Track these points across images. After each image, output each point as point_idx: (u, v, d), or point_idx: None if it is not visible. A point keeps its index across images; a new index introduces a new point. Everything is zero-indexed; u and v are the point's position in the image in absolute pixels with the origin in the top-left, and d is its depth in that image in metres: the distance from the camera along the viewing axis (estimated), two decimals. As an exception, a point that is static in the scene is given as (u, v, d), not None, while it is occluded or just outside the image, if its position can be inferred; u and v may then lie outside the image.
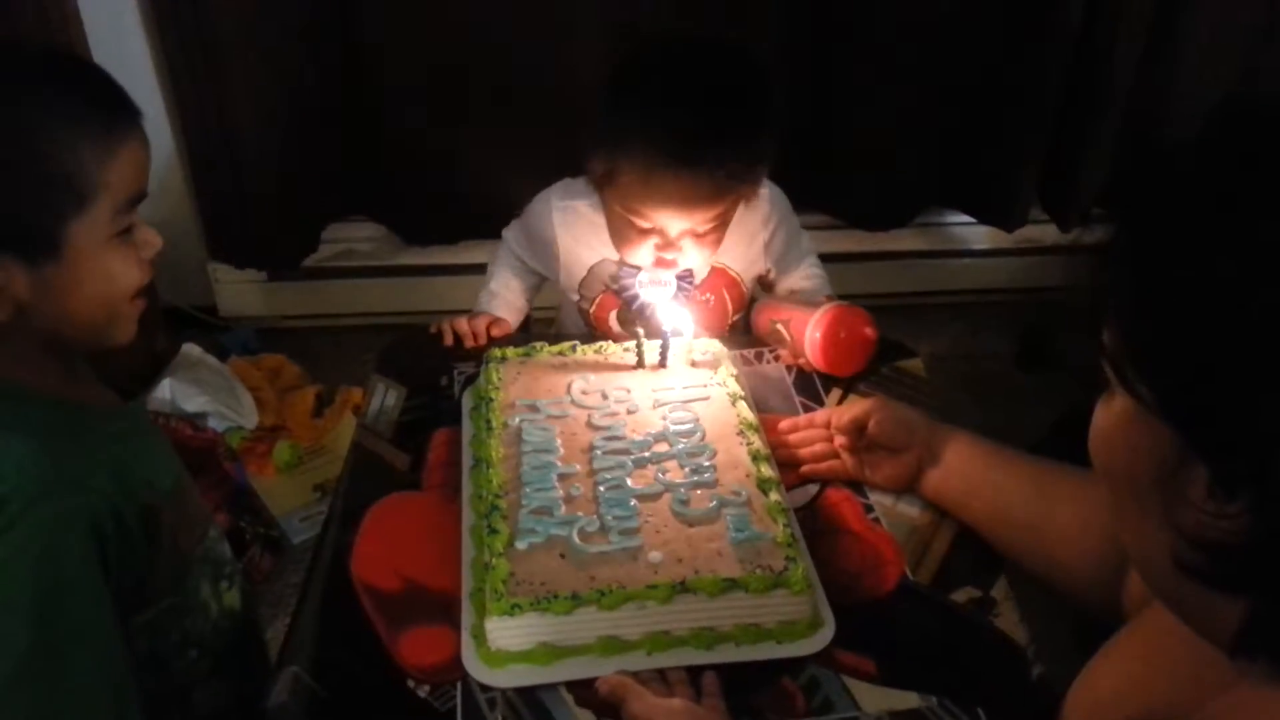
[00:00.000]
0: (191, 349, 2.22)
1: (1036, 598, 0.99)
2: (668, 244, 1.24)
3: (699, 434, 1.06)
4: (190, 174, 2.35)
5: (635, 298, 1.35)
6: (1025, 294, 2.60)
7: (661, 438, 1.06)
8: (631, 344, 1.18)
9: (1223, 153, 0.53)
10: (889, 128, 2.35)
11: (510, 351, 1.19)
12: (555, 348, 1.20)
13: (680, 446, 1.04)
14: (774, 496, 0.98)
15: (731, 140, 1.15)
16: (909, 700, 0.88)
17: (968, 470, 1.04)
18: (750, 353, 1.31)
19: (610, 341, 1.21)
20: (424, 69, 2.20)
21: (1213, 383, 0.49)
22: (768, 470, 1.02)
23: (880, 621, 0.95)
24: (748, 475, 1.01)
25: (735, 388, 1.14)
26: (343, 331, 2.53)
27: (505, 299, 1.45)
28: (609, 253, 1.35)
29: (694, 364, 1.18)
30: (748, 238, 1.37)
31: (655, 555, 0.91)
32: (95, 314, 0.86)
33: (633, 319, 1.37)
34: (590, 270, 1.38)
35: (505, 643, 0.87)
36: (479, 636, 0.88)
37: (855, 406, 1.10)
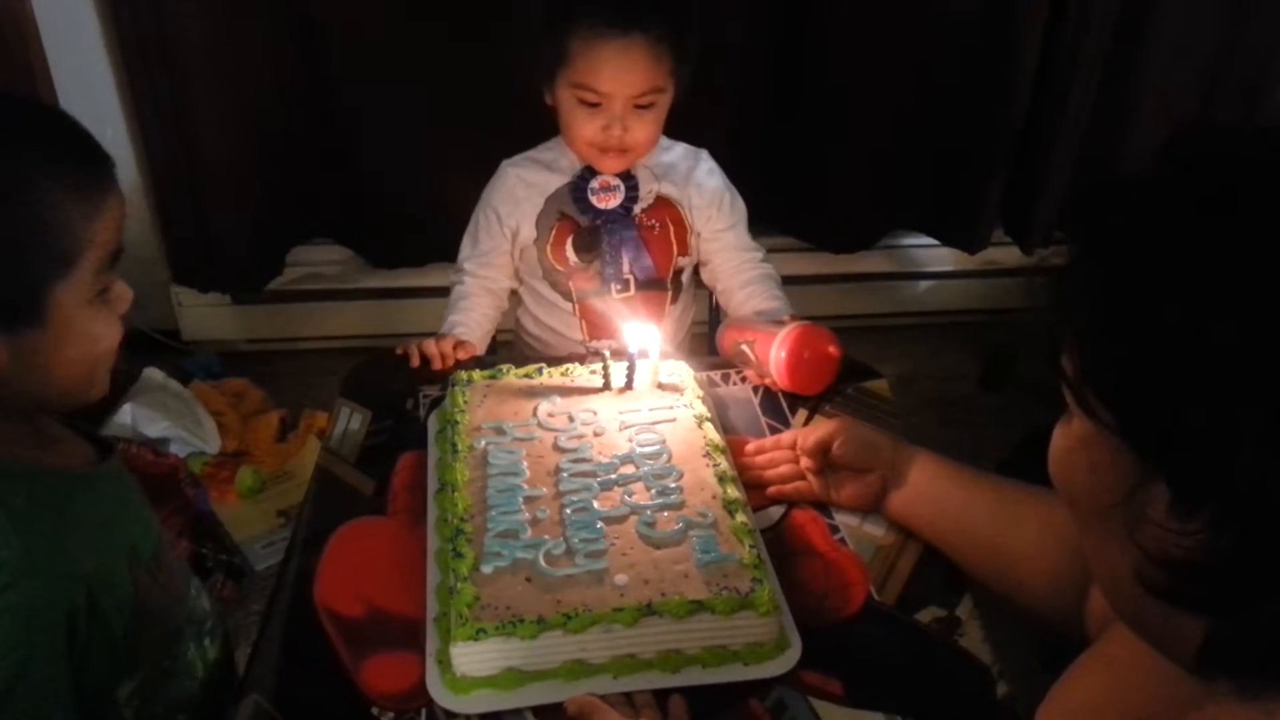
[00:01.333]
0: (154, 373, 2.19)
1: (1001, 618, 1.00)
2: (614, 118, 1.34)
3: (665, 456, 1.06)
4: (153, 197, 2.33)
5: (589, 207, 1.43)
6: (989, 315, 2.63)
7: (628, 459, 1.06)
8: (598, 366, 1.18)
9: (1176, 183, 0.54)
10: (853, 151, 2.37)
11: (476, 374, 1.19)
12: (522, 370, 1.20)
13: (647, 468, 1.04)
14: (740, 518, 0.98)
15: (662, 9, 1.32)
16: (875, 721, 0.88)
17: (932, 491, 1.04)
18: (717, 374, 1.32)
19: (576, 365, 1.21)
20: (388, 93, 2.20)
21: (1171, 405, 0.49)
22: (734, 492, 1.02)
23: (846, 642, 0.95)
24: (714, 497, 1.01)
25: (702, 409, 1.14)
26: (307, 355, 2.51)
27: (468, 327, 1.47)
28: (560, 181, 1.45)
29: (660, 386, 1.18)
30: (689, 175, 1.48)
31: (621, 578, 0.90)
32: (77, 376, 0.84)
33: (588, 244, 1.45)
34: (545, 202, 1.45)
35: (470, 668, 0.86)
36: (444, 662, 0.88)
37: (820, 428, 1.11)
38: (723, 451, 1.08)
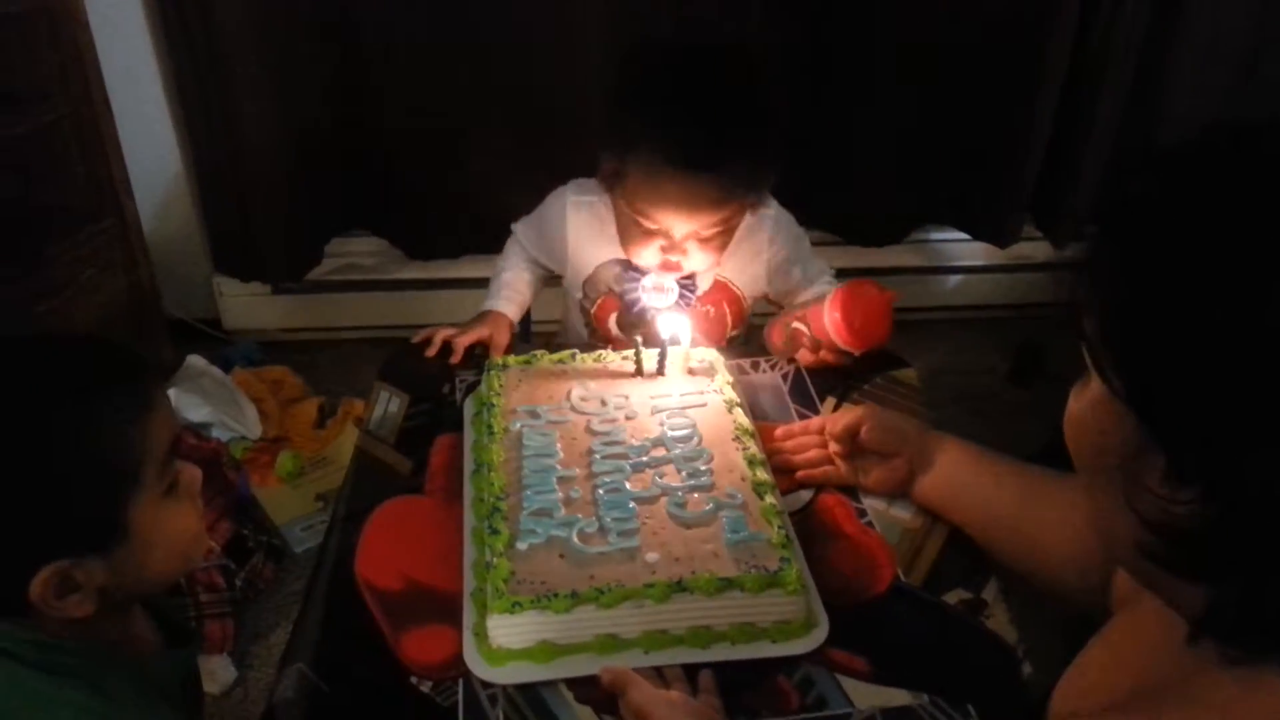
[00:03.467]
0: (196, 360, 2.24)
1: (1026, 600, 1.01)
2: (673, 246, 1.26)
3: (696, 439, 1.09)
4: (196, 189, 2.38)
5: (636, 301, 1.37)
6: (1018, 310, 2.63)
7: (659, 443, 1.08)
8: (630, 352, 1.20)
9: (1199, 175, 0.56)
10: (882, 145, 2.38)
11: (511, 359, 1.22)
12: (555, 356, 1.22)
13: (677, 451, 1.07)
14: (769, 499, 1.00)
15: (735, 146, 1.16)
16: (901, 698, 0.90)
17: (957, 475, 1.06)
18: (746, 362, 1.34)
19: (610, 349, 1.23)
20: (427, 84, 2.23)
21: (1175, 380, 0.52)
22: (763, 474, 1.04)
23: (873, 622, 0.97)
24: (743, 479, 1.03)
25: (731, 395, 1.16)
26: (345, 344, 2.55)
27: (515, 289, 1.46)
28: (617, 252, 1.37)
29: (691, 372, 1.20)
30: (751, 254, 1.40)
31: (653, 555, 0.93)
32: (172, 568, 0.88)
33: (632, 324, 1.40)
34: (596, 270, 1.40)
35: (506, 640, 0.89)
36: (480, 634, 0.91)
37: (848, 414, 1.12)
38: (752, 436, 1.10)
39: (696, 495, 1.01)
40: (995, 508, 1.02)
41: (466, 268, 2.46)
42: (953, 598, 1.01)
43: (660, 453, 1.07)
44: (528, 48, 2.19)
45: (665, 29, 2.06)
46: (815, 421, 1.18)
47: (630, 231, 1.29)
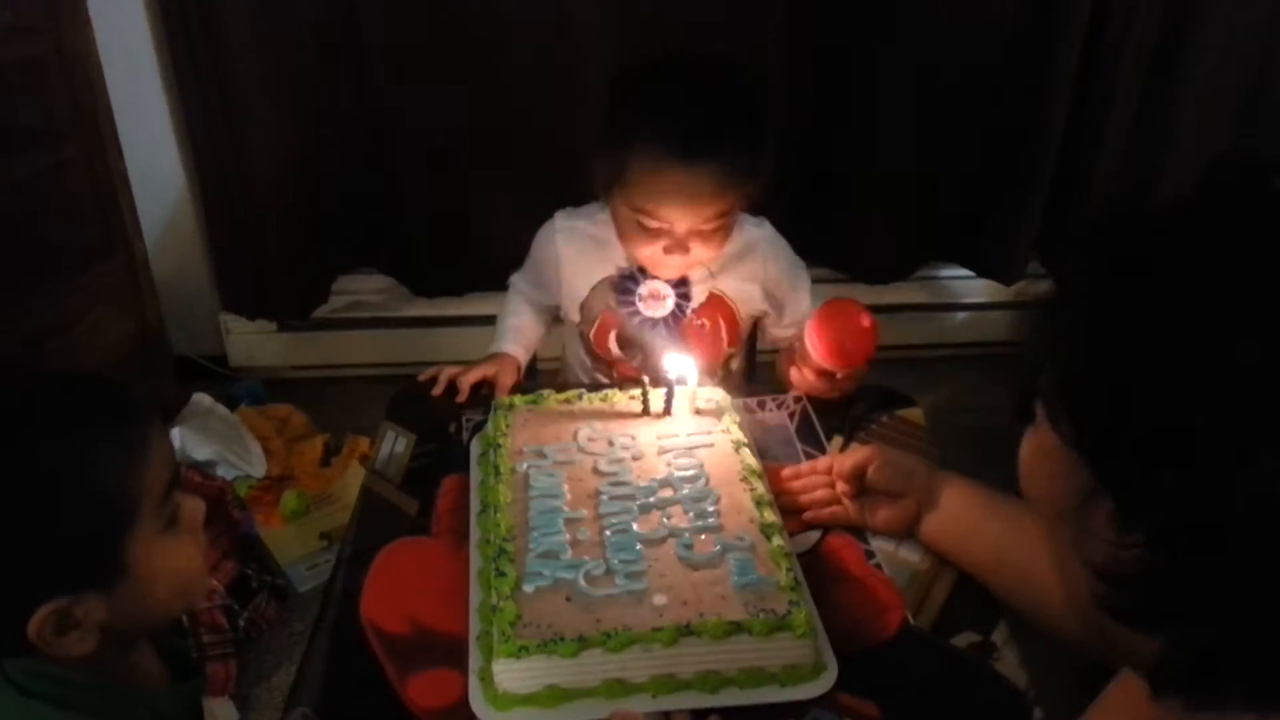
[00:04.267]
0: (201, 398, 2.24)
1: (1037, 644, 1.00)
2: (675, 245, 1.27)
3: (703, 480, 1.08)
4: (204, 227, 2.40)
5: (635, 312, 1.39)
6: (1024, 346, 2.62)
7: (666, 483, 1.07)
8: (637, 392, 1.20)
9: (1166, 231, 0.58)
10: (889, 182, 2.39)
11: (518, 399, 1.21)
12: (562, 395, 1.22)
13: (685, 492, 1.06)
14: (777, 541, 0.99)
15: (732, 136, 1.21)
16: (911, 743, 0.89)
17: (965, 516, 1.06)
18: (753, 401, 1.33)
19: (611, 371, 1.22)
20: (434, 123, 2.25)
21: (1121, 423, 0.54)
22: (771, 516, 1.03)
23: (882, 665, 0.96)
24: (751, 520, 1.02)
25: (738, 435, 1.15)
26: (351, 382, 2.55)
27: (520, 330, 1.48)
28: (610, 271, 1.40)
29: (698, 412, 1.20)
30: (748, 273, 1.42)
31: (660, 598, 0.92)
32: (174, 603, 0.88)
33: (631, 339, 1.41)
34: (592, 290, 1.41)
35: (512, 685, 0.88)
36: (486, 679, 0.89)
37: (856, 454, 1.12)
38: (759, 476, 1.09)
39: (704, 537, 1.00)
40: (1003, 550, 1.02)
41: (472, 305, 2.46)
42: (962, 641, 1.00)
43: (667, 493, 1.06)
44: (534, 88, 2.21)
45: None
46: (823, 461, 1.18)
47: (632, 233, 1.30)
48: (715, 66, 1.26)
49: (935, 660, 0.98)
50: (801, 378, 1.30)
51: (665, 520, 1.02)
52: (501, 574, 0.94)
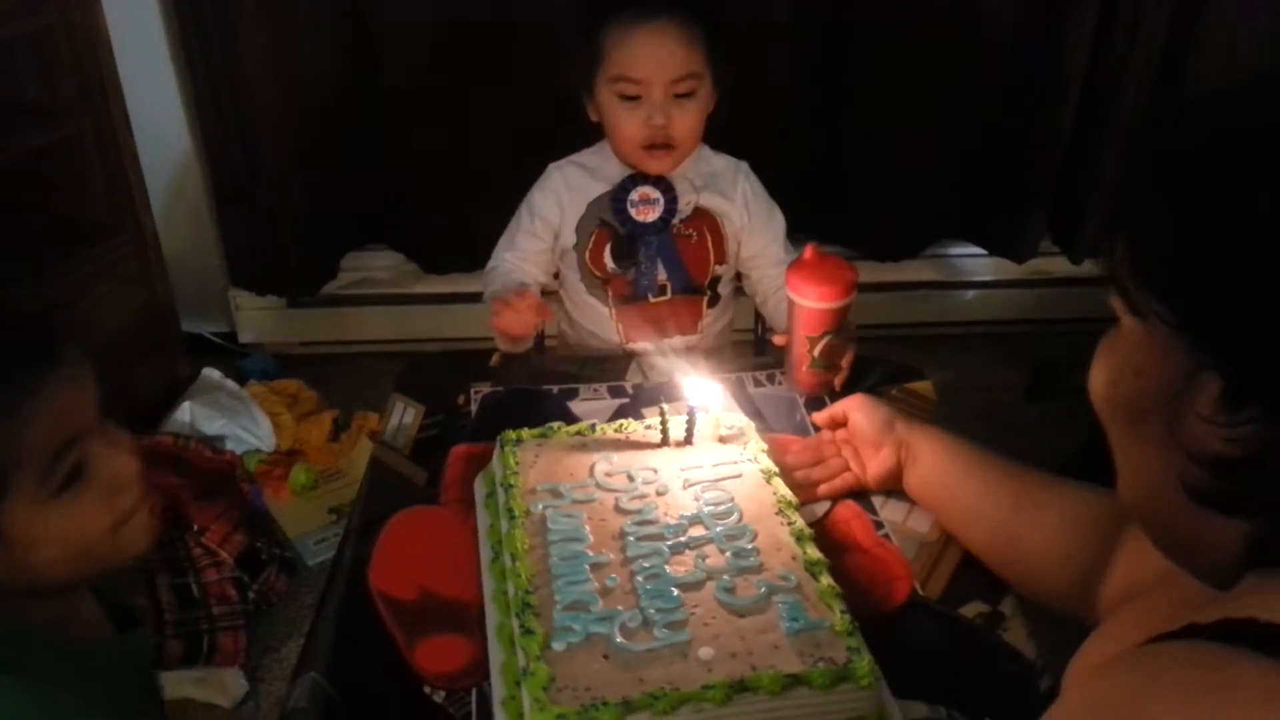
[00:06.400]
0: (211, 373, 2.25)
1: (1045, 614, 1.00)
2: (654, 108, 1.36)
3: (736, 514, 0.99)
4: (213, 203, 2.40)
5: (628, 218, 1.45)
6: (1035, 325, 2.62)
7: (696, 520, 0.98)
8: (655, 421, 1.12)
9: (1253, 93, 0.56)
10: (899, 159, 2.38)
11: (526, 433, 1.11)
12: (573, 428, 1.13)
13: (718, 529, 0.97)
14: (825, 581, 0.91)
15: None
16: (919, 711, 0.89)
17: (944, 470, 1.06)
18: (762, 374, 1.33)
19: (631, 419, 1.16)
20: (444, 102, 2.25)
21: (1231, 293, 0.51)
22: (814, 552, 0.95)
23: (890, 635, 0.95)
24: (794, 558, 0.94)
25: (767, 463, 1.07)
26: (359, 358, 2.56)
27: (522, 270, 1.52)
28: (603, 189, 1.47)
29: (721, 439, 1.11)
30: (728, 186, 1.50)
31: (706, 651, 0.84)
32: (73, 565, 0.79)
33: (625, 251, 1.47)
34: (588, 206, 1.47)
35: (551, 757, 0.80)
36: (516, 751, 0.82)
37: (835, 405, 1.15)
38: (795, 508, 1.01)
39: (745, 578, 0.91)
40: (983, 508, 1.02)
41: (480, 282, 2.45)
42: (970, 611, 1.00)
43: (699, 531, 0.97)
44: (542, 62, 2.20)
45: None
46: (827, 433, 1.17)
47: (616, 114, 1.40)
48: None
49: (943, 630, 0.98)
50: (803, 378, 1.28)
51: (701, 561, 0.93)
52: (529, 632, 0.84)
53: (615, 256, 1.48)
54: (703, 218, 1.49)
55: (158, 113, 2.25)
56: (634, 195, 1.45)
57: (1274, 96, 0.54)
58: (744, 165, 1.53)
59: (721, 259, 1.51)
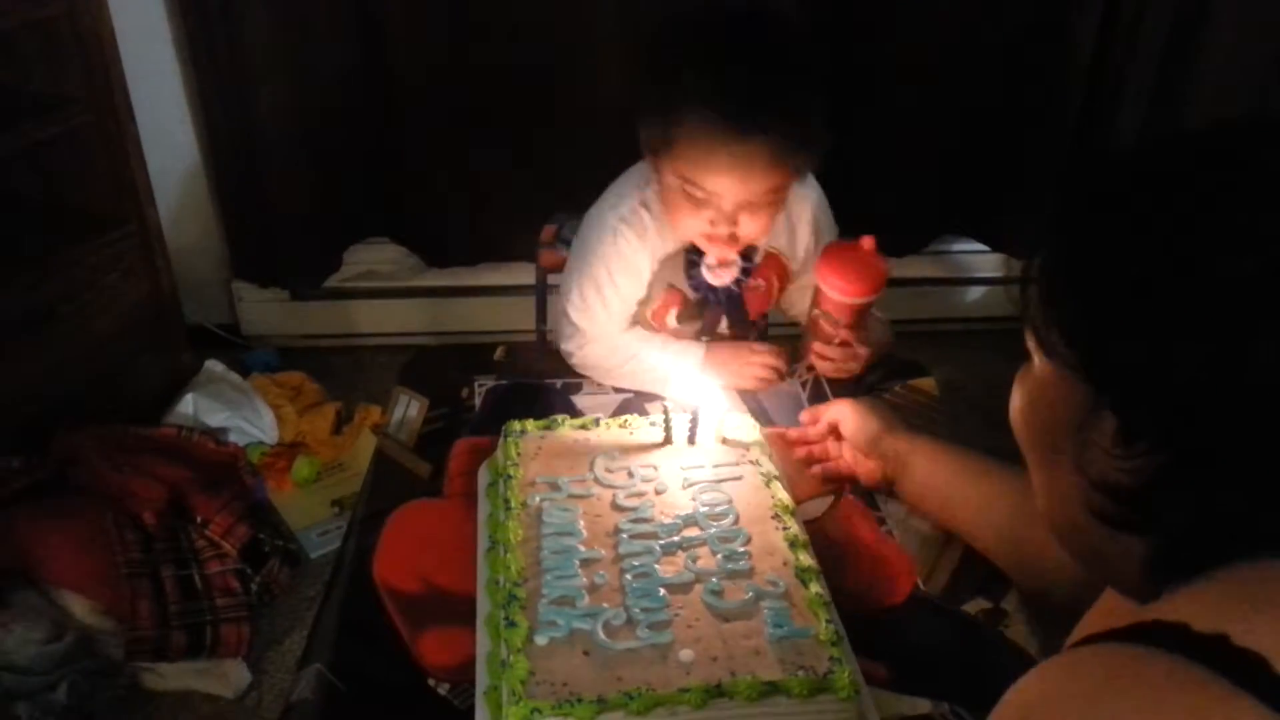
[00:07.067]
0: (214, 365, 2.25)
1: (1044, 608, 1.01)
2: (722, 217, 1.19)
3: (731, 517, 0.99)
4: (216, 194, 2.40)
5: (702, 283, 1.32)
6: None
7: (691, 521, 0.98)
8: (659, 419, 1.11)
9: (1142, 160, 0.61)
10: (903, 156, 2.38)
11: (530, 424, 1.10)
12: (578, 421, 1.12)
13: (712, 531, 0.97)
14: (814, 588, 0.91)
15: (788, 104, 1.13)
16: (921, 706, 0.89)
17: (942, 485, 1.05)
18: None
19: (636, 415, 1.15)
20: (448, 95, 2.24)
21: (1123, 339, 0.56)
22: (806, 559, 0.94)
23: (892, 630, 0.96)
24: (785, 564, 0.94)
25: (769, 467, 1.07)
26: (362, 351, 2.56)
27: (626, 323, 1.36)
28: (673, 246, 1.32)
29: (725, 441, 1.10)
30: (797, 218, 1.35)
31: (687, 654, 0.84)
32: None
33: (692, 313, 1.36)
34: (659, 265, 1.33)
35: (523, 750, 0.81)
36: (493, 741, 0.83)
37: (824, 410, 1.15)
38: (792, 514, 1.01)
39: (734, 581, 0.91)
40: (987, 516, 1.02)
41: (484, 275, 2.46)
42: (972, 607, 1.01)
43: (693, 532, 0.97)
44: (547, 55, 2.20)
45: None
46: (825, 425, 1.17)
47: (678, 202, 1.22)
48: (766, 20, 1.17)
49: (945, 626, 0.98)
50: (822, 355, 1.26)
51: (691, 563, 0.93)
52: (512, 624, 0.85)
53: (680, 319, 1.37)
54: (771, 263, 1.36)
55: (162, 104, 2.25)
56: (710, 258, 1.30)
57: (1185, 150, 0.59)
58: (811, 188, 1.35)
59: (778, 296, 1.41)
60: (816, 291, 1.25)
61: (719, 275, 1.31)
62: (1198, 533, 0.56)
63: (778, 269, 1.38)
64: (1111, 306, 0.57)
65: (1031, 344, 0.63)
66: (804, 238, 1.36)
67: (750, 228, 1.22)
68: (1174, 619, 0.53)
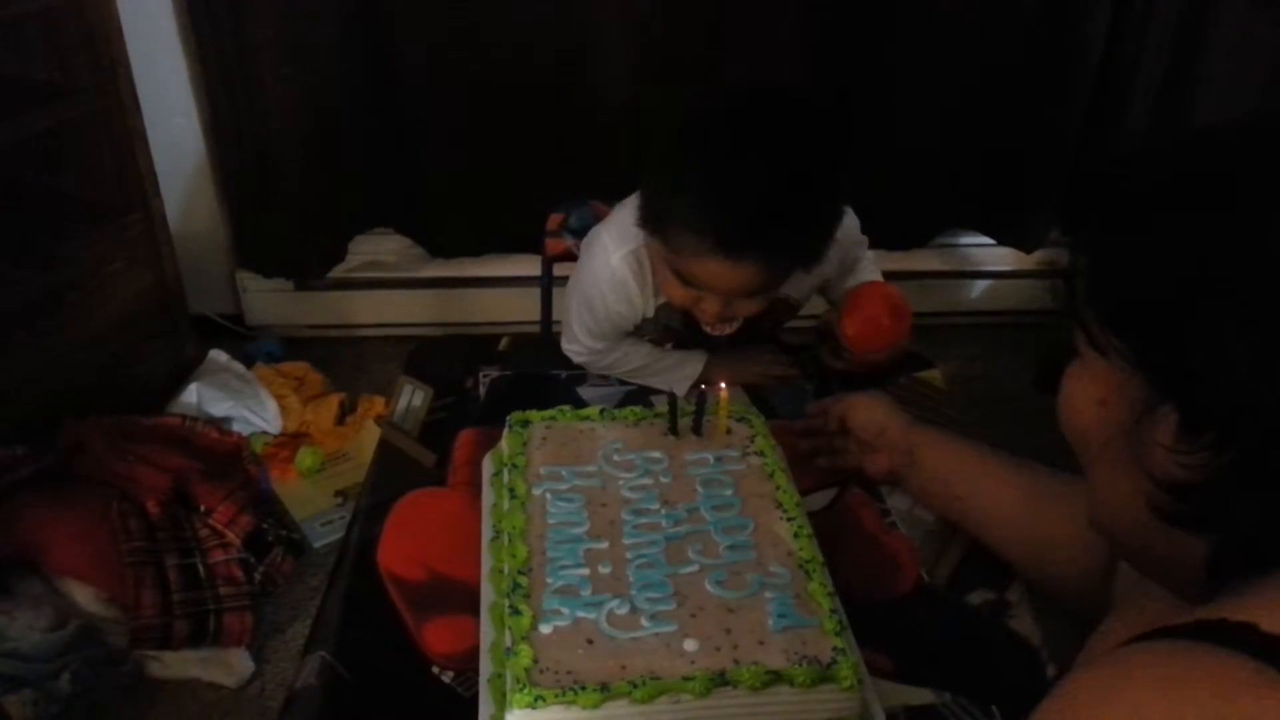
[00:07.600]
0: (218, 355, 2.26)
1: (1051, 602, 1.00)
2: (714, 304, 1.14)
3: (736, 507, 0.99)
4: (220, 184, 2.40)
5: (700, 332, 1.26)
6: (1043, 315, 2.61)
7: (696, 511, 0.98)
8: (663, 409, 1.10)
9: (1188, 151, 0.60)
10: (908, 148, 2.37)
11: (535, 415, 1.10)
12: (584, 412, 1.12)
13: (716, 521, 0.97)
14: (818, 579, 0.90)
15: (789, 226, 1.06)
16: (924, 697, 0.89)
17: (951, 480, 1.05)
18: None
19: (640, 407, 1.14)
20: (452, 85, 2.24)
21: (1182, 333, 0.54)
22: (810, 549, 0.94)
23: (896, 621, 0.96)
24: (789, 554, 0.94)
25: (774, 459, 1.06)
26: (366, 341, 2.57)
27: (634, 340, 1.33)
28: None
29: (729, 432, 1.09)
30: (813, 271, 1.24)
31: (691, 643, 0.84)
32: None
33: (688, 347, 1.33)
34: (657, 310, 1.28)
35: (528, 738, 0.81)
36: (499, 729, 0.83)
37: (832, 404, 1.15)
38: (797, 505, 1.00)
39: (738, 572, 0.91)
40: (997, 510, 1.02)
41: (489, 266, 2.46)
42: (976, 598, 1.01)
43: (697, 522, 0.97)
44: (553, 45, 2.19)
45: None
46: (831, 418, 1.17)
47: (668, 282, 1.16)
48: (782, 119, 1.07)
49: (949, 617, 0.98)
50: (834, 361, 1.28)
51: (694, 553, 0.93)
52: (517, 612, 0.85)
53: (679, 347, 1.34)
54: (779, 307, 1.29)
55: (167, 93, 2.24)
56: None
57: (1233, 144, 0.58)
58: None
59: (782, 326, 1.39)
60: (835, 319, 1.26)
61: (717, 329, 1.23)
62: (1263, 530, 0.55)
63: (785, 307, 1.34)
64: (1170, 300, 0.55)
65: (1081, 340, 0.61)
66: (814, 283, 1.30)
67: (745, 309, 1.17)
68: (1241, 618, 0.52)
